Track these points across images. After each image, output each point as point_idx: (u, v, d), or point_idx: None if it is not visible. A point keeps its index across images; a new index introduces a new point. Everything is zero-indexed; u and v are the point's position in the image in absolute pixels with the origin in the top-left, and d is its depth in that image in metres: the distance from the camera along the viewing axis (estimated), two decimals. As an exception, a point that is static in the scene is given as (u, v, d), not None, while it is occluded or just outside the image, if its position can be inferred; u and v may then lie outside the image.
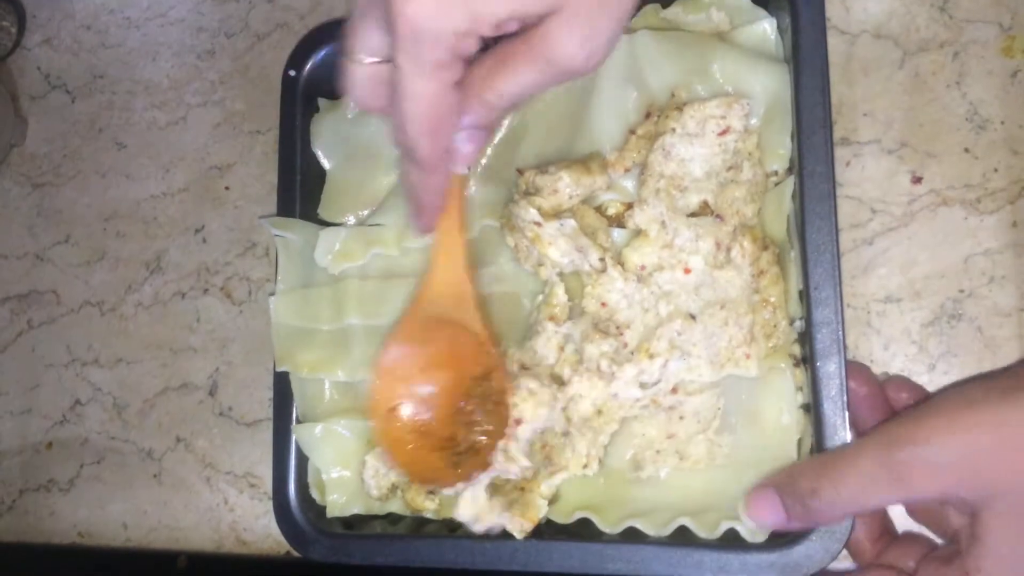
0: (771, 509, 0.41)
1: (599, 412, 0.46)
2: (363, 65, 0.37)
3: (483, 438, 0.44)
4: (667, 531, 0.46)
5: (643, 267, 0.46)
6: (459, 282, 0.44)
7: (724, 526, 0.44)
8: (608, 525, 0.47)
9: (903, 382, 0.45)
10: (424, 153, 0.36)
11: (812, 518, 0.40)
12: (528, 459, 0.46)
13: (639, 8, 0.49)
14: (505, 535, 0.48)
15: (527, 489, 0.47)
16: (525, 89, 0.34)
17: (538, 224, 0.46)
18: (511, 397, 0.44)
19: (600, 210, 0.49)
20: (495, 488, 0.47)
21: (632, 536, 0.46)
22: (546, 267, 0.48)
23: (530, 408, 0.44)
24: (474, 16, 0.30)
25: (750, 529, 0.44)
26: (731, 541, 0.44)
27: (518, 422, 0.44)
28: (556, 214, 0.47)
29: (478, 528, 0.46)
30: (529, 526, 0.46)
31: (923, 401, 0.44)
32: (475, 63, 0.34)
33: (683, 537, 0.45)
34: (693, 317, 0.46)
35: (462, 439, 0.43)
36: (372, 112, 0.39)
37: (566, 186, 0.46)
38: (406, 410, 0.44)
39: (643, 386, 0.46)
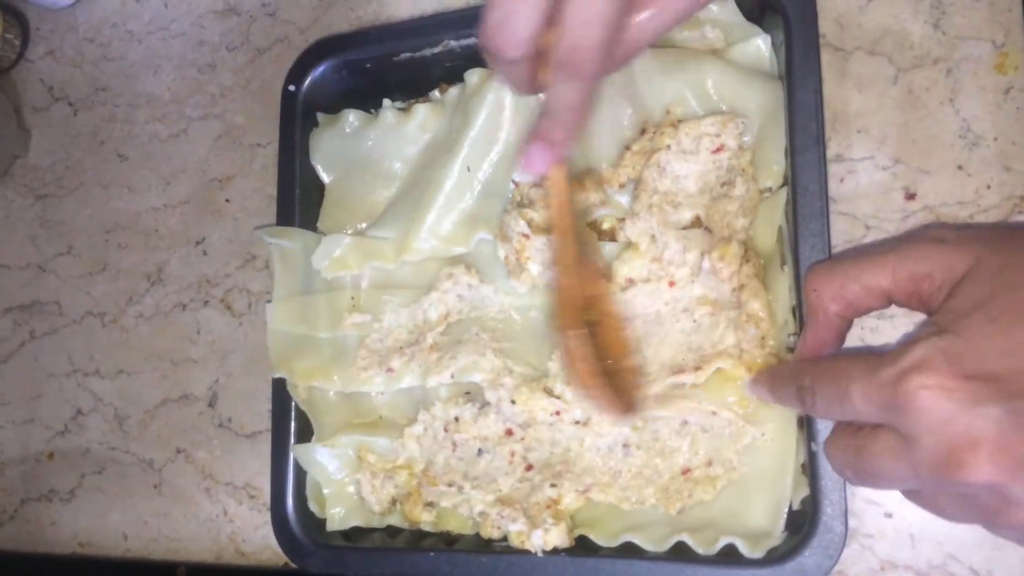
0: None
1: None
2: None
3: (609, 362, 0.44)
4: (665, 547, 0.46)
5: (630, 279, 0.47)
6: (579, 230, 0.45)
7: (723, 542, 0.44)
8: (605, 539, 0.47)
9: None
10: (594, 65, 0.34)
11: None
12: None
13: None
14: (497, 550, 0.48)
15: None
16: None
17: (526, 236, 0.46)
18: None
19: (595, 225, 0.49)
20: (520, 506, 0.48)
21: (629, 551, 0.46)
22: (535, 280, 0.48)
23: None
24: None
25: (748, 546, 0.44)
26: (727, 557, 0.45)
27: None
28: (548, 229, 0.47)
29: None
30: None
31: None
32: None
33: (679, 552, 0.45)
34: (678, 320, 0.46)
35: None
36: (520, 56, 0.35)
37: (559, 201, 0.47)
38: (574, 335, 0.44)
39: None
